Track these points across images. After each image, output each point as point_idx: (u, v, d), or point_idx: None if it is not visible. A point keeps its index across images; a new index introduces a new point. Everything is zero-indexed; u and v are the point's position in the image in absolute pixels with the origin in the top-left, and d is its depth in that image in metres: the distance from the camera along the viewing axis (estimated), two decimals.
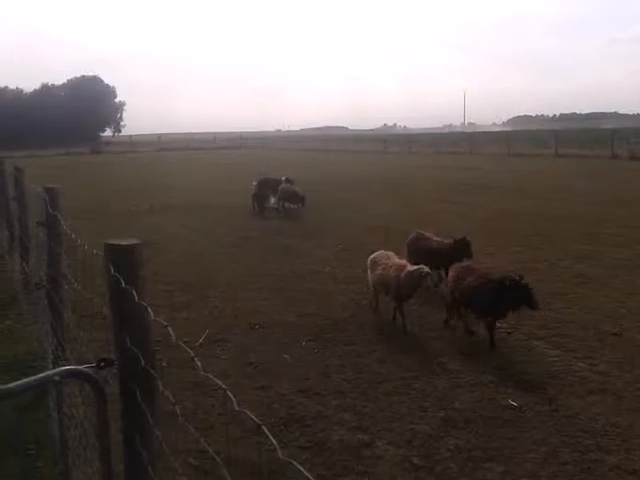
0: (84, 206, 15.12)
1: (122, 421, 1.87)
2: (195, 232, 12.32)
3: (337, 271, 8.73)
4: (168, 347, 3.27)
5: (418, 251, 7.63)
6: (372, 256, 6.69)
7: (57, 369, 1.93)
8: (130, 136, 69.30)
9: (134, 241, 1.87)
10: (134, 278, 1.80)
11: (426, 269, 5.96)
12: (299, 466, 1.09)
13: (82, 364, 1.96)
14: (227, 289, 7.91)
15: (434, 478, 3.64)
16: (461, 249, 7.18)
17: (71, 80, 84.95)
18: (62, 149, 51.97)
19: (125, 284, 1.76)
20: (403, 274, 5.99)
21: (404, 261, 6.46)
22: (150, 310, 1.74)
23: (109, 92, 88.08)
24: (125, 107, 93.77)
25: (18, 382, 1.78)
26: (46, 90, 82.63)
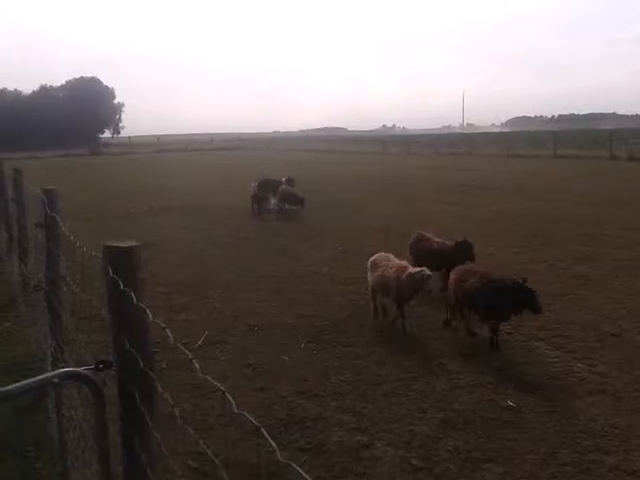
0: (83, 208, 15.11)
1: (121, 423, 1.87)
2: (194, 233, 12.31)
3: (335, 272, 8.73)
4: (167, 349, 3.23)
5: (419, 252, 7.63)
6: (372, 258, 6.68)
7: (56, 371, 1.92)
8: (129, 137, 69.13)
9: (133, 243, 1.87)
10: (133, 280, 1.80)
11: (428, 272, 5.93)
12: (298, 468, 1.09)
13: (81, 366, 1.96)
14: (226, 290, 7.91)
15: (433, 479, 3.64)
16: (463, 251, 7.11)
17: (70, 81, 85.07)
18: (61, 151, 51.92)
19: (124, 286, 1.76)
20: (404, 275, 5.98)
21: (405, 262, 6.45)
22: (149, 312, 1.74)
23: (108, 93, 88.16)
24: (124, 108, 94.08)
25: (17, 384, 1.78)
26: (45, 92, 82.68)
